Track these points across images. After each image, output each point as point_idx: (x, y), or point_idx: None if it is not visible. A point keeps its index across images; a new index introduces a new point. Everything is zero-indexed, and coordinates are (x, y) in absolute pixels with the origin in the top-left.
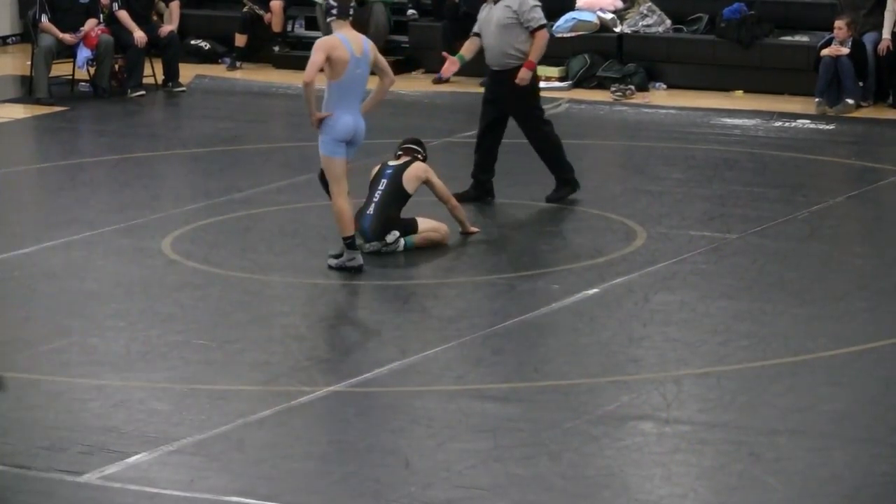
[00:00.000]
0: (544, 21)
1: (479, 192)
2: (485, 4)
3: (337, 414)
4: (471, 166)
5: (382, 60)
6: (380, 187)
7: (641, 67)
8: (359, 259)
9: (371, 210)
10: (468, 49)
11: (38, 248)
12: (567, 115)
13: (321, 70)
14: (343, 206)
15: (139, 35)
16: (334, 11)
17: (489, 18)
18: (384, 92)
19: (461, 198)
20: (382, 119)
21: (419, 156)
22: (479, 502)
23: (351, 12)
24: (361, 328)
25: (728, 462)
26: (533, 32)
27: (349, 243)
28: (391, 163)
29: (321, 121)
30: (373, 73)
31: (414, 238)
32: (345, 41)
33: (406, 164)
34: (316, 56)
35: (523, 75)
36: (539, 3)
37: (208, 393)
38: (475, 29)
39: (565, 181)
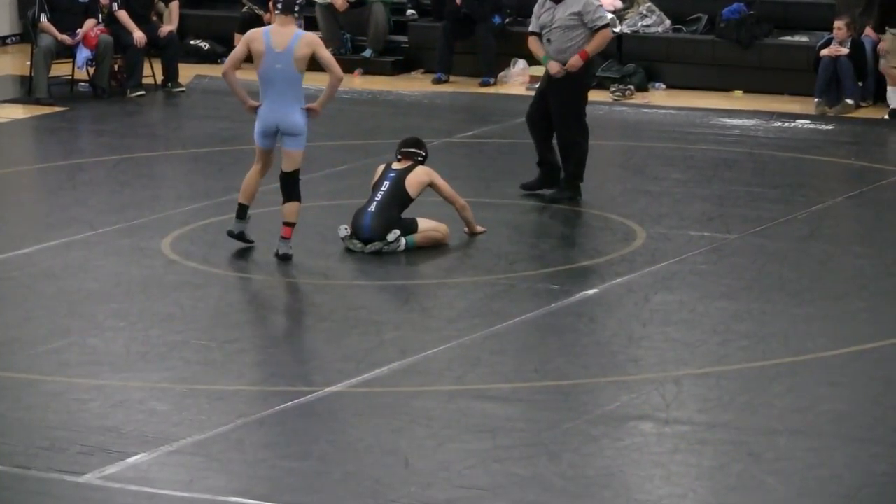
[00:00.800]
0: (607, 20)
1: (544, 181)
2: (543, 3)
3: (336, 414)
4: (471, 166)
5: (326, 57)
6: (382, 189)
7: (641, 67)
8: (234, 227)
9: (372, 208)
10: (540, 48)
11: (37, 249)
12: None
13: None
14: (247, 176)
15: (139, 35)
16: (279, 6)
17: (551, 18)
18: (333, 88)
19: (527, 186)
20: (383, 119)
21: (419, 158)
22: (479, 502)
23: (296, 10)
24: (361, 328)
25: (728, 462)
26: (596, 31)
27: (237, 212)
28: (394, 166)
29: (254, 109)
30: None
31: (415, 237)
32: (265, 34)
33: (409, 169)
34: (237, 48)
35: (574, 62)
36: (601, 4)
37: (208, 393)
38: (532, 28)
39: (572, 186)
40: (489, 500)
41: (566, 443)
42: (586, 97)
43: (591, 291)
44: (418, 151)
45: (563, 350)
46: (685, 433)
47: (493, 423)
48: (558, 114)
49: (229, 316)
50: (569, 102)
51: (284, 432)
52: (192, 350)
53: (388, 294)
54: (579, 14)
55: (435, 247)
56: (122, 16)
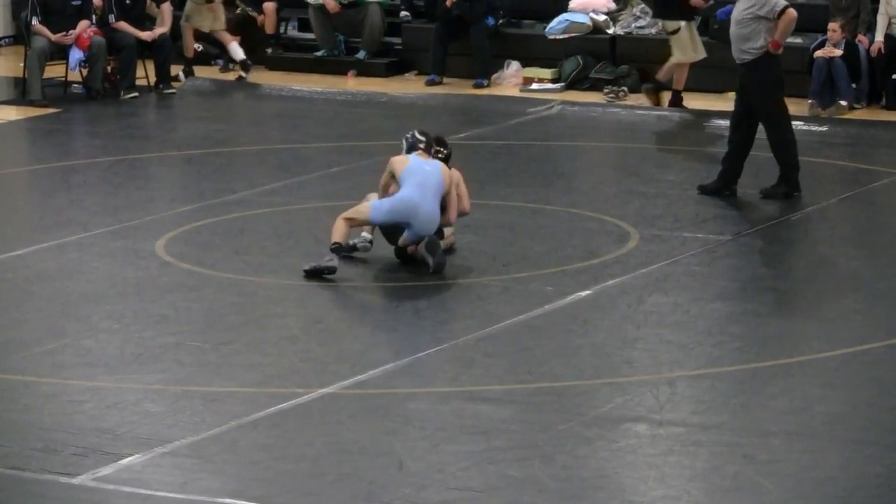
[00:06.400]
0: (786, 3)
1: (722, 184)
2: None
3: (331, 416)
4: (464, 168)
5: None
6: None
7: (634, 69)
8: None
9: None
10: None
11: (31, 250)
12: (560, 117)
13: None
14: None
15: (147, 34)
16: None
17: (733, 15)
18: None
19: (705, 189)
20: (377, 121)
21: (440, 155)
22: None
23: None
24: (355, 330)
25: (722, 464)
26: (779, 16)
27: (333, 249)
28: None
29: None
30: None
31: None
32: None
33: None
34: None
35: (771, 50)
36: None
37: (202, 395)
38: None
39: (787, 178)
40: (483, 502)
41: (560, 444)
42: (781, 86)
43: (584, 293)
44: (439, 149)
45: (557, 352)
46: (679, 435)
47: (487, 425)
48: (761, 111)
49: (223, 318)
50: (765, 97)
51: (278, 434)
52: (186, 352)
53: (381, 295)
54: (754, 4)
55: None
56: (122, 26)
